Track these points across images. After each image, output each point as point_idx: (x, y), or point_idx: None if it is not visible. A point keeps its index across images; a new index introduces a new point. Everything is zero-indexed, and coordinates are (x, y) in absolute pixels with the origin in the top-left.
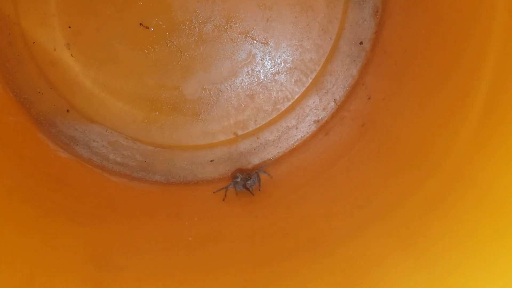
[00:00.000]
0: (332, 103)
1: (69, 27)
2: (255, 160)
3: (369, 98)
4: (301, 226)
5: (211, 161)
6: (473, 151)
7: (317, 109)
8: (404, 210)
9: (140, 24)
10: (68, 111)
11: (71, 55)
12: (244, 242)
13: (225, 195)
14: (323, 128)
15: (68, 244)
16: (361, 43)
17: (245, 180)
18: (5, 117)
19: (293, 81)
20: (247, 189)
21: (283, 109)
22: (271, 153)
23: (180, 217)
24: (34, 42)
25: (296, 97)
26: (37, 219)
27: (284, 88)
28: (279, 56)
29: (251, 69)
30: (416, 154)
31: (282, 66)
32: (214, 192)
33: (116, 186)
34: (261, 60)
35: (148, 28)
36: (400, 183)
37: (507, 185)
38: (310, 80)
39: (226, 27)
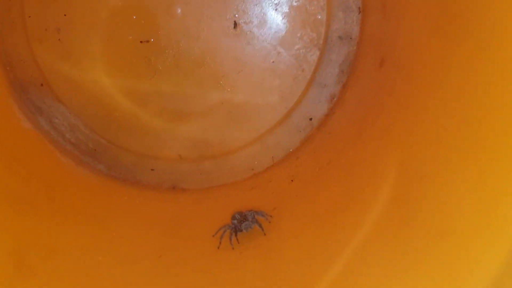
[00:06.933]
0: (270, 160)
1: (65, 15)
2: (194, 182)
3: (292, 180)
4: None
5: (152, 170)
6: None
7: (254, 161)
8: None
9: (141, 41)
10: (42, 85)
11: (59, 39)
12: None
13: (220, 242)
14: (256, 176)
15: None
16: (311, 119)
17: (240, 222)
18: None
19: (242, 130)
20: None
21: (225, 151)
22: (212, 182)
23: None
24: (29, 16)
25: (239, 145)
26: None
27: (232, 136)
28: (236, 105)
29: (210, 109)
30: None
31: (237, 115)
32: (213, 236)
33: (62, 169)
34: (221, 104)
35: (148, 41)
36: None
37: None
38: (256, 136)
39: (201, 64)
